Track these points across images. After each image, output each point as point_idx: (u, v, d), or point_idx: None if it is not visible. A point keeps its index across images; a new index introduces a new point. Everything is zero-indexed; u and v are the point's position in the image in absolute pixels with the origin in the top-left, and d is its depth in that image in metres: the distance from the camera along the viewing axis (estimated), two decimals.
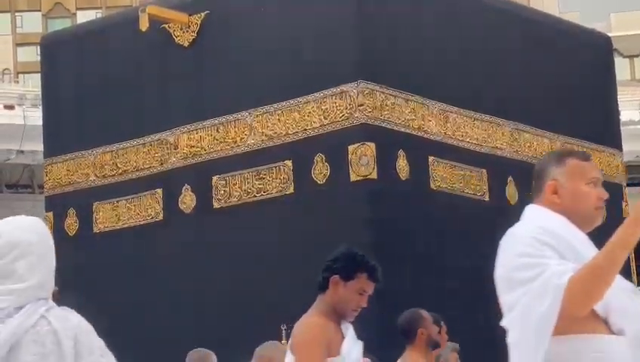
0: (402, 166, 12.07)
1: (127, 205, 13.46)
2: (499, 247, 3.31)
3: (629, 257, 14.71)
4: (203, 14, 13.01)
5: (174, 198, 13.00)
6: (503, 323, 3.36)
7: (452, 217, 12.38)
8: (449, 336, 8.18)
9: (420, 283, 11.61)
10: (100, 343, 3.31)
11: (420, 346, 7.30)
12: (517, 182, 13.43)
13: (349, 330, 5.02)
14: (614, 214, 15.05)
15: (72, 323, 3.24)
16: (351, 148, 11.77)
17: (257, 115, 12.47)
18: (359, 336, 5.24)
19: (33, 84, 28.07)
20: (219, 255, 12.32)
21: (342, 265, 5.09)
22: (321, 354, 4.84)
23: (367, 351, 5.41)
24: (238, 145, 12.59)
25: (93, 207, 13.71)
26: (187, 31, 13.12)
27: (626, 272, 14.64)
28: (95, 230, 13.65)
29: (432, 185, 12.41)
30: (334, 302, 5.03)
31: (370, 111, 11.86)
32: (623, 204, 15.04)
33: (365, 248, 11.45)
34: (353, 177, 11.75)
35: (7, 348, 3.14)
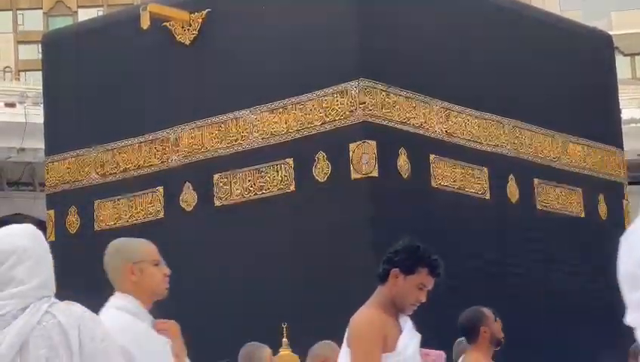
0: (403, 164, 12.06)
1: (128, 203, 13.46)
2: (620, 244, 3.18)
3: None
4: (204, 13, 13.01)
5: (175, 196, 13.00)
6: (628, 321, 3.26)
7: (453, 215, 12.38)
8: (453, 334, 8.17)
9: None
10: (102, 329, 3.36)
11: (482, 345, 7.20)
12: (518, 181, 13.44)
13: (406, 324, 4.94)
14: (615, 212, 15.15)
15: (76, 313, 3.31)
16: (352, 146, 11.77)
17: (258, 113, 12.47)
18: None
19: (34, 82, 28.05)
20: (220, 253, 12.32)
21: (403, 258, 4.97)
22: (378, 348, 4.74)
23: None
24: (240, 143, 12.59)
25: (95, 205, 13.70)
26: (188, 29, 13.12)
27: None
28: (96, 228, 13.65)
29: (433, 184, 12.41)
30: (393, 296, 4.93)
31: (371, 110, 11.86)
32: (624, 202, 15.05)
33: (366, 247, 11.53)
34: (354, 175, 11.74)
35: (17, 347, 3.21)
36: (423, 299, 4.98)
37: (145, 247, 4.51)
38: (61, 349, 3.22)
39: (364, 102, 11.82)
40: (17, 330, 3.22)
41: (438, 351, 7.19)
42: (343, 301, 11.29)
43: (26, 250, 3.34)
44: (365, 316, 4.90)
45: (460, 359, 7.41)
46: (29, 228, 3.44)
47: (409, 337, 4.89)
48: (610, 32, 18.27)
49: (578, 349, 12.24)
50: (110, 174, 13.61)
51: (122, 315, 4.29)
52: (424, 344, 8.14)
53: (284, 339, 10.32)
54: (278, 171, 12.28)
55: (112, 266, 4.44)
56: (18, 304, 3.26)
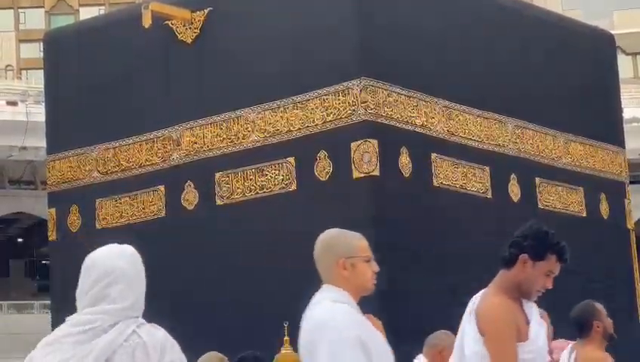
0: (405, 163, 12.06)
1: (130, 202, 13.46)
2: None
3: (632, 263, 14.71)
4: (206, 11, 13.01)
5: (177, 195, 13.00)
6: None
7: (455, 214, 12.38)
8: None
9: (422, 281, 11.62)
10: (180, 355, 3.64)
11: (595, 339, 7.14)
12: (520, 180, 13.44)
13: (533, 311, 4.77)
14: (617, 211, 15.14)
15: (158, 336, 3.60)
16: (353, 145, 11.76)
17: (260, 112, 12.47)
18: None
19: (36, 81, 28.10)
20: (221, 251, 12.33)
21: (532, 244, 4.75)
22: (513, 338, 4.58)
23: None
24: (241, 142, 12.59)
25: (96, 203, 13.70)
26: (190, 28, 13.12)
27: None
28: (98, 226, 13.65)
29: (435, 183, 12.40)
30: (520, 281, 4.78)
31: (372, 108, 11.85)
32: (626, 201, 15.05)
33: (370, 246, 11.50)
34: (356, 174, 11.74)
35: (103, 359, 3.47)
36: (550, 286, 4.84)
37: (358, 243, 4.55)
38: None
39: (366, 101, 11.82)
40: (105, 344, 3.47)
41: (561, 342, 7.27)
42: None
43: (123, 272, 3.66)
44: (498, 304, 4.73)
45: (573, 354, 7.39)
46: (127, 249, 3.79)
47: (538, 325, 4.75)
48: (612, 32, 18.27)
49: None
50: (112, 173, 13.62)
51: (346, 308, 4.35)
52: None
53: (286, 338, 10.32)
54: (279, 170, 12.28)
55: (323, 259, 4.55)
56: (108, 320, 3.53)
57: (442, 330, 7.72)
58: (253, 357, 7.87)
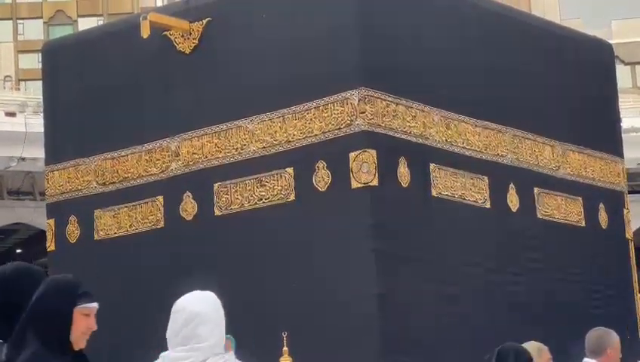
0: (403, 173, 12.07)
1: (128, 212, 13.46)
2: None
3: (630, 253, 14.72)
4: (204, 22, 13.03)
5: (175, 205, 12.99)
6: None
7: (453, 224, 12.39)
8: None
9: (421, 290, 11.62)
10: None
11: None
12: (518, 190, 13.44)
13: None
14: (616, 221, 15.14)
15: None
16: (352, 155, 11.77)
17: (258, 122, 12.48)
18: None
19: (35, 92, 28.08)
20: (220, 262, 12.33)
21: None
22: None
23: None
24: (240, 153, 12.60)
25: (94, 214, 13.70)
26: (188, 38, 13.14)
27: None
28: (96, 237, 13.65)
29: (434, 192, 12.41)
30: None
31: (371, 118, 11.86)
32: (625, 211, 15.06)
33: (366, 255, 11.53)
34: (354, 184, 11.73)
35: None
36: None
37: None
38: None
39: (364, 111, 11.83)
40: None
41: None
42: (344, 310, 11.35)
43: (208, 314, 4.15)
44: None
45: None
46: (210, 295, 4.32)
47: None
48: (611, 41, 18.31)
49: (579, 358, 12.23)
50: (110, 183, 13.61)
51: None
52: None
53: (285, 348, 10.31)
54: (278, 180, 12.28)
55: None
56: (198, 357, 4.02)
57: (532, 341, 7.80)
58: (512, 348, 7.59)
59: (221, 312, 4.23)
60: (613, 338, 7.50)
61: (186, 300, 4.28)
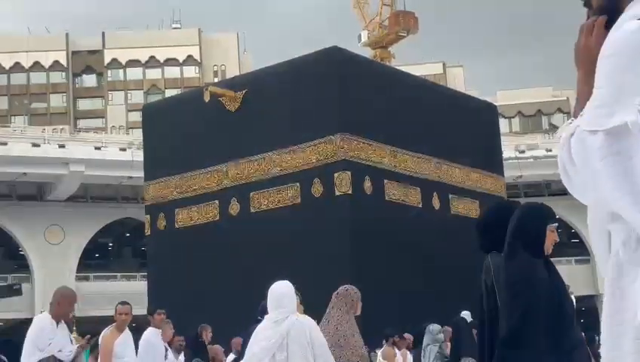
0: (368, 186, 12.04)
1: (196, 210, 13.41)
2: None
3: None
4: (244, 91, 13.02)
5: (226, 206, 12.96)
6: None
7: (399, 219, 12.34)
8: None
9: (379, 253, 11.50)
10: (318, 332, 4.30)
11: None
12: (439, 196, 13.44)
13: None
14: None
15: (310, 322, 4.31)
16: (336, 175, 11.77)
17: (278, 155, 12.46)
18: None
19: (138, 135, 28.07)
20: (253, 242, 12.27)
21: None
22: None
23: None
24: (266, 174, 12.57)
25: (175, 211, 13.66)
26: (234, 101, 13.11)
27: None
28: (176, 226, 13.60)
29: (387, 198, 12.39)
30: None
31: (347, 152, 11.85)
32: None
33: (345, 236, 11.41)
34: (337, 193, 11.73)
35: (284, 334, 4.21)
36: None
37: None
38: (303, 339, 4.20)
39: (344, 148, 11.81)
40: (287, 327, 4.23)
41: None
42: (327, 279, 11.09)
43: (287, 293, 4.34)
44: None
45: None
46: (287, 282, 4.41)
47: None
48: (496, 103, 18.25)
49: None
50: (185, 193, 13.57)
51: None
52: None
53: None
54: (289, 191, 12.26)
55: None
56: (283, 315, 4.27)
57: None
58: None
59: (293, 291, 4.38)
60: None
61: (276, 285, 4.40)
